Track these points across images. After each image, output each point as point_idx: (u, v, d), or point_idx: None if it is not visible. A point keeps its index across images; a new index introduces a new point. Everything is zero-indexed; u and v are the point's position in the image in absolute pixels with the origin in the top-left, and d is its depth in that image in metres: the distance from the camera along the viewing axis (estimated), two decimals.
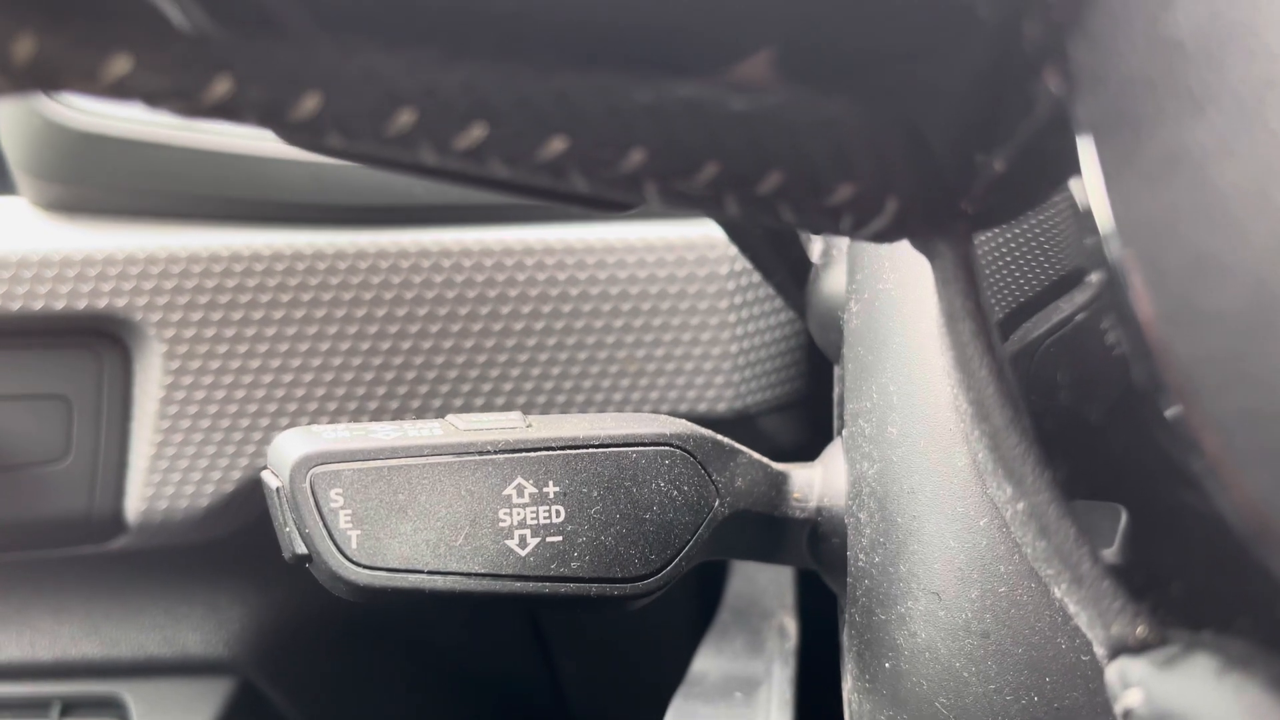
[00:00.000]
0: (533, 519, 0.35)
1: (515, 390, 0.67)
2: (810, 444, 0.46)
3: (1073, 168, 0.19)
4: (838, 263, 0.46)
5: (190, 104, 0.18)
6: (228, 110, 0.18)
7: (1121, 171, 0.17)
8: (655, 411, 0.67)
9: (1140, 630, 0.21)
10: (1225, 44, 0.15)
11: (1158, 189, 0.17)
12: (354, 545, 0.34)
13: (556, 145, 0.19)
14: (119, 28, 0.17)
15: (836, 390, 0.45)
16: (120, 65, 0.17)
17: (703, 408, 0.67)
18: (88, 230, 0.64)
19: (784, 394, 0.69)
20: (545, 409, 0.67)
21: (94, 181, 0.64)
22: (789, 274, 0.49)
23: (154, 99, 0.18)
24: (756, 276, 0.66)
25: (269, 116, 0.18)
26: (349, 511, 0.34)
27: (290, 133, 0.19)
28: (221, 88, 0.18)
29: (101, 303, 0.63)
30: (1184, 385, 0.17)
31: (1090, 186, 0.18)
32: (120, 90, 0.18)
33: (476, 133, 0.19)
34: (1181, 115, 0.16)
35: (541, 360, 0.66)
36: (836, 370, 0.46)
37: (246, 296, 0.64)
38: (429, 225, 0.66)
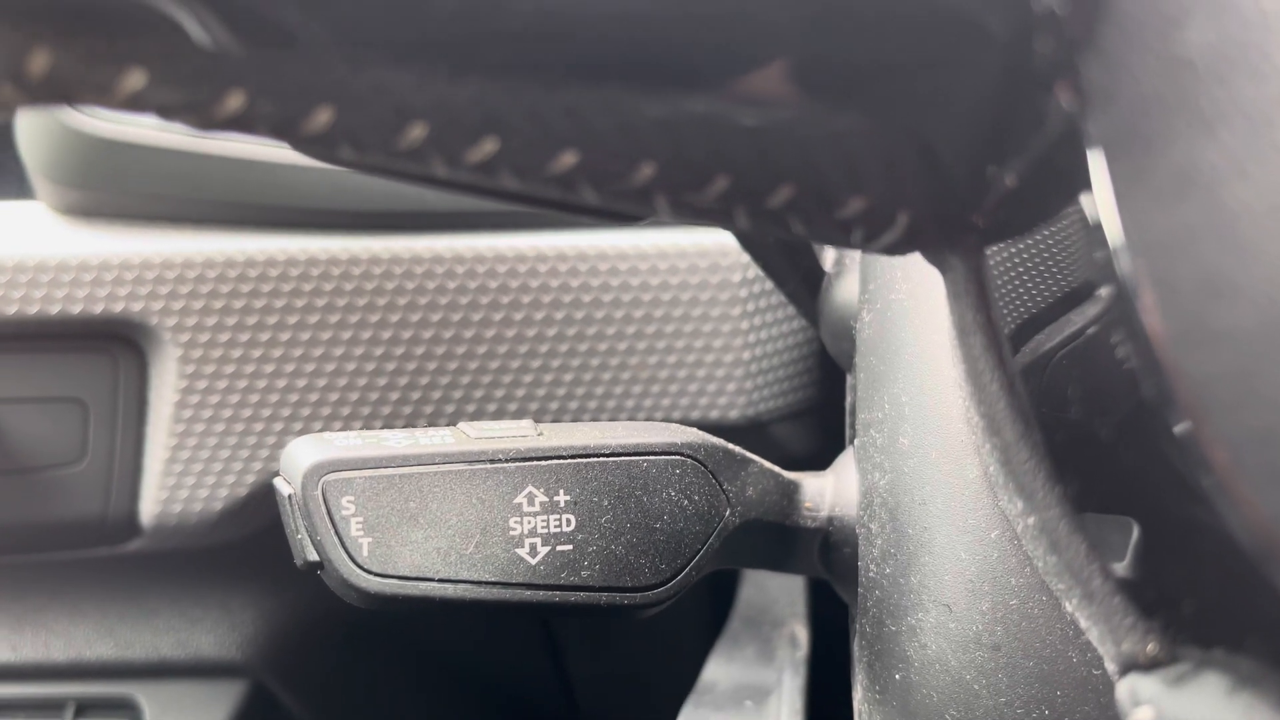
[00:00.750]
0: (543, 527, 0.35)
1: (527, 398, 0.67)
2: (822, 452, 0.46)
3: (1084, 182, 0.19)
4: (850, 272, 0.46)
5: (204, 117, 0.18)
6: (240, 123, 0.18)
7: (1132, 189, 0.17)
8: (667, 419, 0.67)
9: (1151, 647, 0.20)
10: (1235, 64, 0.15)
11: (1169, 207, 0.17)
12: (365, 553, 0.34)
13: (567, 159, 0.19)
14: (133, 42, 0.17)
15: (849, 399, 0.45)
16: (135, 80, 0.17)
17: (714, 415, 0.67)
18: (104, 235, 0.64)
19: (796, 402, 0.69)
20: (557, 417, 0.67)
21: (111, 186, 0.65)
22: (801, 282, 0.49)
23: (168, 112, 0.18)
24: (769, 284, 0.66)
25: (281, 129, 0.19)
26: (360, 519, 0.34)
27: (303, 145, 0.19)
28: (234, 102, 0.18)
29: (118, 307, 0.63)
30: (1194, 403, 0.17)
31: (1101, 202, 0.18)
32: (135, 104, 0.18)
33: (487, 147, 0.19)
34: (1192, 134, 0.16)
35: (553, 368, 0.67)
36: (849, 379, 0.46)
37: (261, 302, 0.64)
38: (442, 231, 0.66)
